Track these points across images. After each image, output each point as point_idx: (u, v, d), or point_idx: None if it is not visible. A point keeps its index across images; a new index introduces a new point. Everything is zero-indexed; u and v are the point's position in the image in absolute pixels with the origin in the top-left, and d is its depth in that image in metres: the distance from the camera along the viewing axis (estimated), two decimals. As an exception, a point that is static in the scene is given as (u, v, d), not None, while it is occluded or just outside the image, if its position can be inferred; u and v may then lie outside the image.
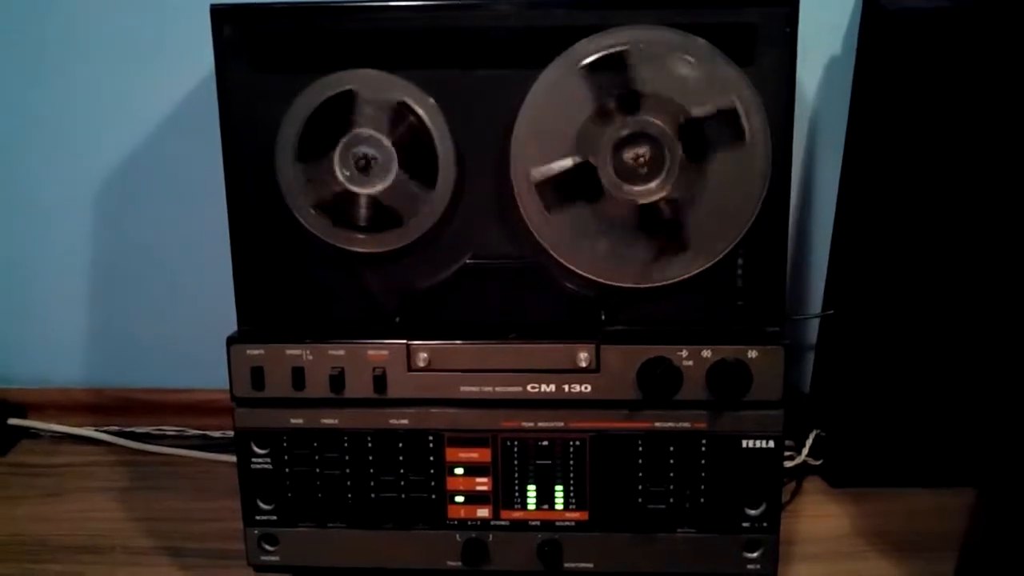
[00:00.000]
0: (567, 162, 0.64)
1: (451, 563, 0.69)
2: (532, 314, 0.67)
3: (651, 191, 0.64)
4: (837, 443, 0.88)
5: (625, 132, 0.63)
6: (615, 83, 0.63)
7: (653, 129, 0.63)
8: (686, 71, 0.63)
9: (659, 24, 0.62)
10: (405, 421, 0.67)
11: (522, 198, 0.65)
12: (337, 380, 0.65)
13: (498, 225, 0.67)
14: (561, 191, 0.64)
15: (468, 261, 0.67)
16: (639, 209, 0.64)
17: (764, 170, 0.64)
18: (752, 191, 0.64)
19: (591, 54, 0.63)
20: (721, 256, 0.65)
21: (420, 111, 0.65)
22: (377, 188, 0.66)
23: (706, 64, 0.63)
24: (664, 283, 0.66)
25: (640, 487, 0.67)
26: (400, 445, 0.67)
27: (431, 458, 0.67)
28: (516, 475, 0.67)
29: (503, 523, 0.68)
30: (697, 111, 0.63)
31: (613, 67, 0.63)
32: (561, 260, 0.66)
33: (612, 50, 0.62)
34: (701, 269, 0.66)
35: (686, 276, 0.66)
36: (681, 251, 0.65)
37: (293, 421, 0.67)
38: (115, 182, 0.96)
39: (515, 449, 0.67)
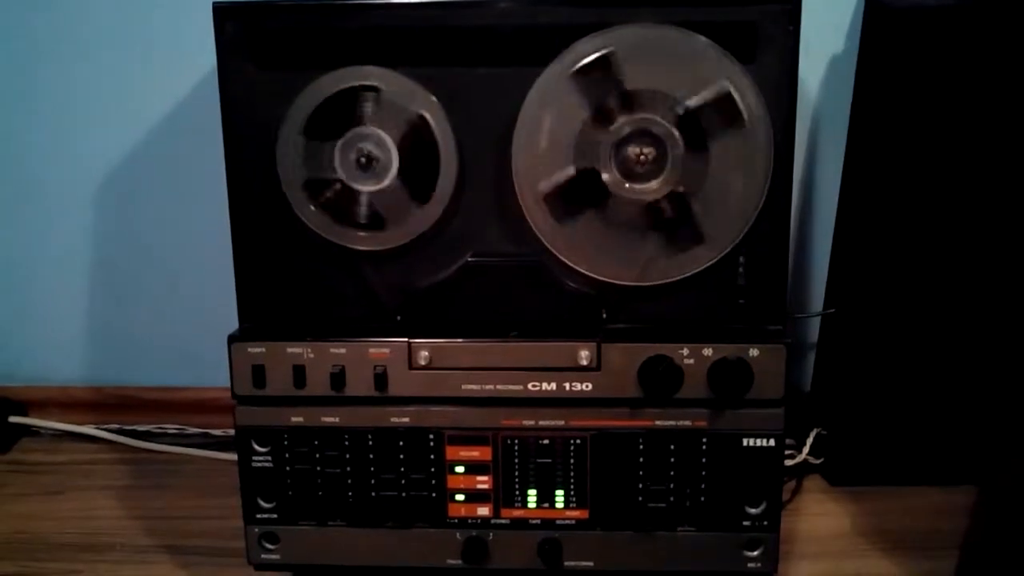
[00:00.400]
0: (570, 171, 0.64)
1: (451, 561, 0.69)
2: (533, 312, 0.67)
3: (658, 186, 0.64)
4: (838, 442, 0.88)
5: (624, 132, 0.63)
6: (606, 85, 0.63)
7: (651, 126, 0.63)
8: (675, 65, 0.63)
9: (661, 22, 0.62)
10: (406, 419, 0.67)
11: (529, 211, 0.65)
12: (338, 378, 0.65)
13: (499, 223, 0.67)
14: (567, 200, 0.64)
15: (469, 259, 0.67)
16: (646, 207, 0.64)
17: (767, 151, 0.64)
18: (757, 174, 0.64)
19: (578, 60, 0.63)
20: (723, 254, 0.65)
21: (422, 109, 0.65)
22: (376, 187, 0.65)
23: (696, 56, 0.62)
24: (665, 281, 0.66)
25: (641, 485, 0.67)
26: (401, 443, 0.67)
27: (432, 456, 0.67)
28: (517, 473, 0.67)
29: (503, 521, 0.68)
30: (692, 101, 0.63)
31: (601, 70, 0.62)
32: (568, 262, 0.66)
33: (597, 54, 0.62)
34: (703, 267, 0.65)
35: (687, 274, 0.66)
36: (699, 243, 0.65)
37: (294, 419, 0.67)
38: (116, 180, 0.96)
39: (516, 447, 0.67)
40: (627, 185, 0.64)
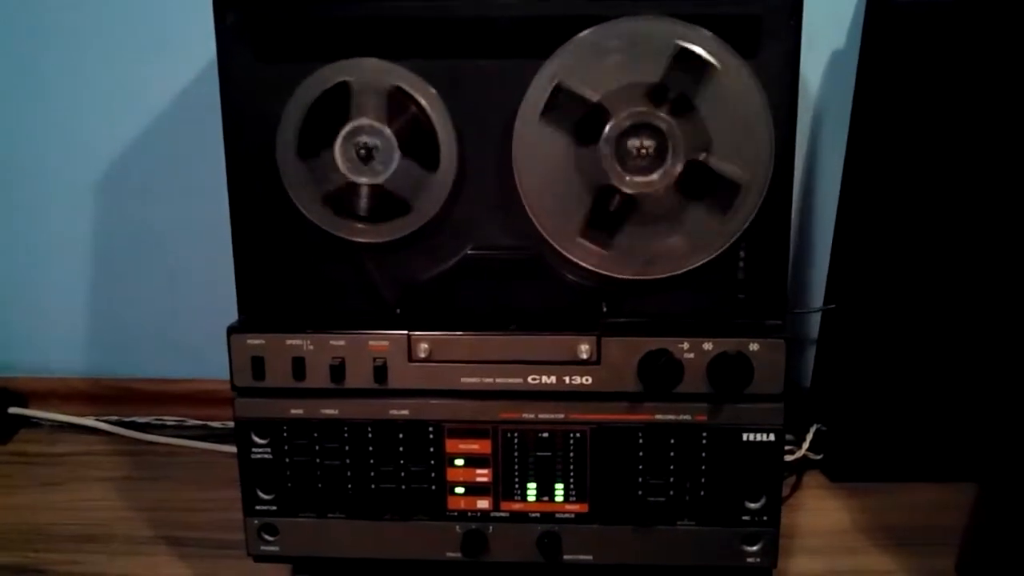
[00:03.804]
0: (595, 95, 0.63)
1: (451, 554, 0.69)
2: (533, 305, 0.67)
3: (628, 183, 0.64)
4: (838, 437, 0.88)
5: (651, 120, 0.63)
6: (574, 108, 0.63)
7: (673, 140, 0.63)
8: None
9: (663, 15, 0.62)
10: (405, 412, 0.67)
11: (529, 97, 0.63)
12: (338, 370, 0.65)
13: (500, 216, 0.67)
14: (565, 113, 0.63)
15: (469, 252, 0.67)
16: (602, 188, 0.64)
17: (721, 243, 0.64)
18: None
19: (690, 42, 0.62)
20: (723, 249, 0.65)
21: (422, 101, 0.64)
22: (378, 178, 0.65)
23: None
24: (665, 275, 0.66)
25: (640, 479, 0.66)
26: (400, 436, 0.67)
27: (431, 449, 0.67)
28: (516, 467, 0.67)
29: (503, 514, 0.68)
30: (714, 162, 0.63)
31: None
32: (565, 253, 0.66)
33: (707, 58, 0.62)
34: (703, 262, 0.65)
35: (688, 268, 0.65)
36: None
37: (293, 411, 0.67)
38: (116, 171, 0.96)
39: (515, 441, 0.67)
40: (627, 178, 0.64)
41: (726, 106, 0.63)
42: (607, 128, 0.63)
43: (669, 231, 0.65)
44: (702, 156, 0.63)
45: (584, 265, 0.66)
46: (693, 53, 0.62)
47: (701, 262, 0.65)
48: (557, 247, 0.66)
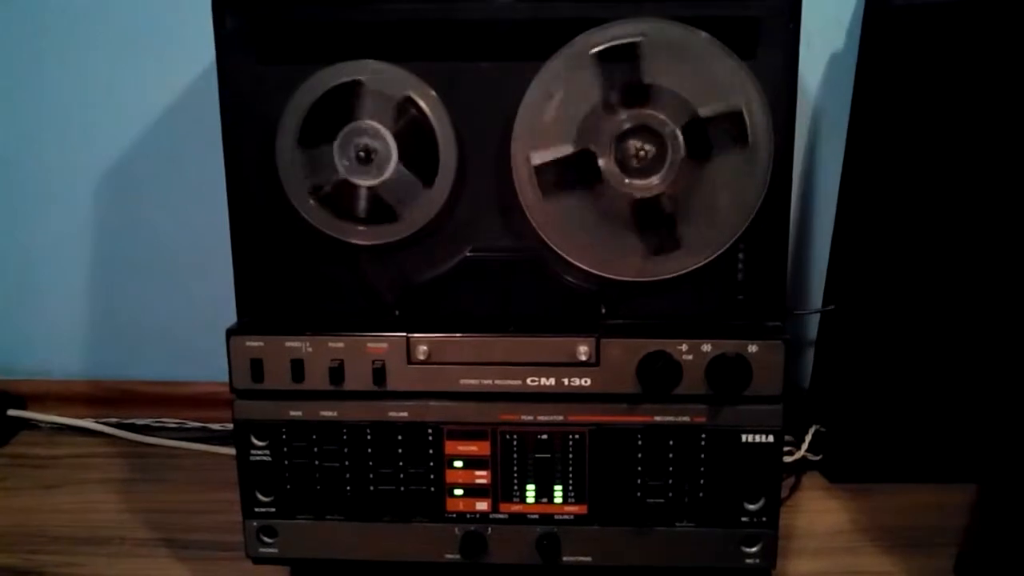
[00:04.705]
0: (567, 148, 0.64)
1: (449, 556, 0.69)
2: (532, 307, 0.67)
3: (650, 186, 0.64)
4: (836, 439, 0.88)
5: (629, 124, 0.63)
6: (624, 74, 0.62)
7: (658, 124, 0.63)
8: (696, 69, 0.62)
9: (662, 17, 0.62)
10: (404, 414, 0.67)
11: (520, 182, 0.64)
12: (336, 372, 0.65)
13: (499, 218, 0.67)
14: (560, 177, 0.64)
15: (468, 254, 0.67)
16: (636, 203, 0.64)
17: (764, 175, 0.64)
18: (751, 195, 0.64)
19: (603, 42, 0.62)
20: (722, 251, 0.65)
21: (422, 103, 0.64)
22: (376, 180, 0.65)
23: (716, 63, 0.62)
24: (664, 277, 0.66)
25: (639, 481, 0.66)
26: (399, 438, 0.67)
27: (430, 451, 0.67)
28: (515, 468, 0.67)
29: (502, 516, 0.68)
30: (703, 111, 0.62)
31: (624, 58, 0.62)
32: (561, 252, 0.66)
33: (624, 40, 0.62)
34: (702, 264, 0.65)
35: (687, 270, 0.65)
36: (673, 249, 0.65)
37: (292, 413, 0.67)
38: (116, 173, 0.96)
39: (514, 442, 0.67)
40: (625, 180, 0.64)
41: (676, 65, 0.62)
42: (602, 164, 0.63)
43: (705, 203, 0.64)
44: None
45: (583, 267, 0.66)
46: (615, 47, 0.62)
47: (700, 264, 0.65)
48: (556, 249, 0.66)
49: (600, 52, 0.62)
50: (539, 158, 0.64)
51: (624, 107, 0.63)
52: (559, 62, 0.63)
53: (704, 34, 0.62)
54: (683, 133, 0.63)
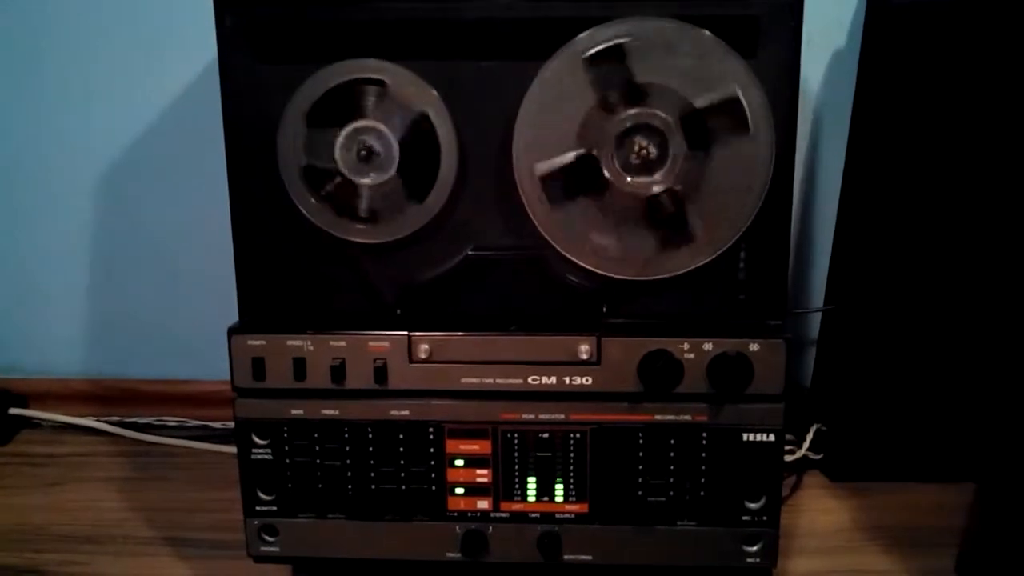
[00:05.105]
0: (570, 156, 0.64)
1: (451, 554, 0.69)
2: (533, 306, 0.67)
3: (655, 183, 0.64)
4: (838, 438, 0.88)
5: (628, 124, 0.63)
6: (616, 75, 0.63)
7: (655, 121, 0.63)
8: (687, 62, 0.62)
9: (663, 15, 0.62)
10: (406, 412, 0.67)
11: (525, 192, 0.65)
12: (338, 371, 0.65)
13: (500, 217, 0.67)
14: (564, 185, 0.64)
15: (470, 253, 0.67)
16: (645, 202, 0.64)
17: (768, 159, 0.64)
18: (756, 181, 0.64)
19: (592, 46, 0.62)
20: (723, 249, 0.65)
21: (423, 102, 0.64)
22: (378, 179, 0.65)
23: (707, 54, 0.62)
24: (666, 276, 0.66)
25: (640, 480, 0.66)
26: (400, 436, 0.67)
27: (431, 450, 0.67)
28: (516, 467, 0.67)
29: (503, 515, 0.68)
30: (699, 102, 0.62)
31: (613, 60, 0.62)
32: (564, 252, 0.66)
33: (611, 42, 0.62)
34: (703, 262, 0.65)
35: (688, 269, 0.65)
36: (688, 243, 0.65)
37: (294, 412, 0.67)
38: (117, 173, 0.96)
39: (515, 441, 0.67)
40: (628, 179, 0.64)
41: (665, 61, 0.62)
42: (605, 167, 0.64)
43: (711, 194, 0.64)
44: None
45: (584, 266, 0.66)
46: (603, 50, 0.62)
47: (701, 263, 0.65)
48: (566, 253, 0.66)
49: (591, 56, 0.62)
50: (543, 169, 0.64)
51: (621, 108, 0.63)
52: (553, 66, 0.63)
53: (689, 26, 0.62)
54: (681, 126, 0.63)
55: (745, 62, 0.62)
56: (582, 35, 0.63)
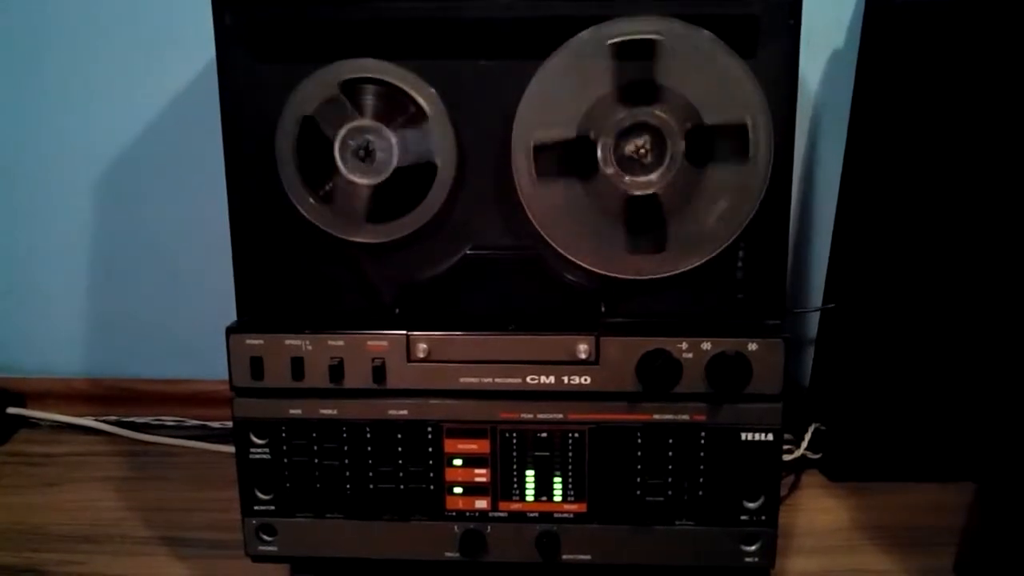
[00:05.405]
0: (570, 132, 0.63)
1: (449, 554, 0.69)
2: (532, 305, 0.67)
3: (643, 184, 0.64)
4: (836, 437, 0.88)
5: (633, 120, 0.63)
6: (637, 70, 0.62)
7: (662, 125, 0.63)
8: (709, 77, 0.62)
9: (662, 15, 0.62)
10: (404, 412, 0.67)
11: (517, 165, 0.64)
12: (336, 370, 0.65)
13: (499, 216, 0.67)
14: (557, 160, 0.64)
15: (468, 252, 0.67)
16: (628, 200, 0.64)
17: (759, 192, 0.64)
18: (743, 208, 0.64)
19: (622, 35, 0.62)
20: (720, 250, 0.65)
21: (421, 101, 0.64)
22: (376, 179, 0.65)
23: (728, 74, 0.62)
24: (664, 275, 0.66)
25: (639, 479, 0.66)
26: (399, 436, 0.67)
27: (430, 449, 0.67)
28: (515, 467, 0.67)
29: (501, 515, 0.68)
30: (709, 118, 0.62)
31: (640, 55, 0.62)
32: (553, 243, 0.66)
33: (644, 36, 0.62)
34: (701, 262, 0.65)
35: (686, 269, 0.65)
36: (657, 251, 0.65)
37: (292, 411, 0.67)
38: (117, 173, 0.96)
39: (514, 441, 0.67)
40: (618, 173, 0.64)
41: (689, 69, 0.62)
42: (600, 155, 0.63)
43: (698, 211, 0.65)
44: (693, 123, 0.63)
45: (583, 265, 0.66)
46: (630, 42, 0.62)
47: (700, 262, 0.65)
48: (556, 247, 0.66)
49: (617, 44, 0.62)
50: (540, 137, 0.63)
51: (632, 103, 0.63)
52: (576, 45, 0.63)
53: (722, 43, 0.62)
54: (686, 138, 0.63)
55: (760, 88, 0.62)
56: (615, 20, 0.62)
